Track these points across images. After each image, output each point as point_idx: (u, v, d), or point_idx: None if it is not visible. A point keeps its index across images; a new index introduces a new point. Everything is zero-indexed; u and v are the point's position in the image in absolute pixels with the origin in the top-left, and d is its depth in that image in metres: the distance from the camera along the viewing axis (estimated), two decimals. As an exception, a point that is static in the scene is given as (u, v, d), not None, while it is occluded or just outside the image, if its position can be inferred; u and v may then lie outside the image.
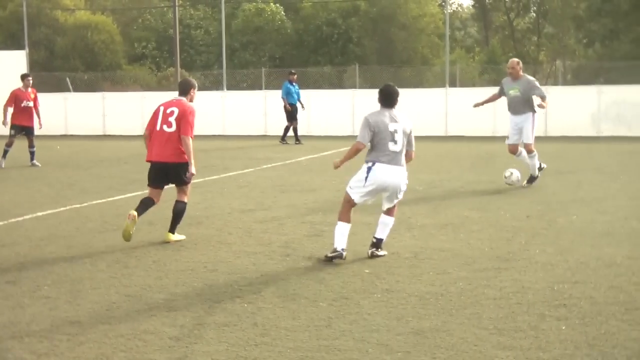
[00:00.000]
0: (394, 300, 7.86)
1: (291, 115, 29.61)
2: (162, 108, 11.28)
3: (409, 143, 9.85)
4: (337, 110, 33.66)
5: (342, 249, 9.56)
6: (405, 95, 31.04)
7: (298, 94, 29.65)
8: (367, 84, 39.98)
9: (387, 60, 52.71)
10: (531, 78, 15.84)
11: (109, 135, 34.73)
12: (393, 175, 9.64)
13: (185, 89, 11.50)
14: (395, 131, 9.61)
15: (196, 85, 11.79)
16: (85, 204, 14.50)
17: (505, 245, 10.52)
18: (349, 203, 9.86)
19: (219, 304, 7.88)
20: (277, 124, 33.02)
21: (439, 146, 28.13)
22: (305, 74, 32.24)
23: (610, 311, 7.38)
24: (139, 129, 33.77)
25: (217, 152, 26.57)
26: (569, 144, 29.05)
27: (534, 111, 15.67)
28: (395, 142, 9.59)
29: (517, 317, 7.26)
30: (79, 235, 11.47)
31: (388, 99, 9.88)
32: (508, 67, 15.75)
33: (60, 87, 36.94)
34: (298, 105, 29.70)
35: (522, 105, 15.56)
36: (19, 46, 36.96)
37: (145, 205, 11.03)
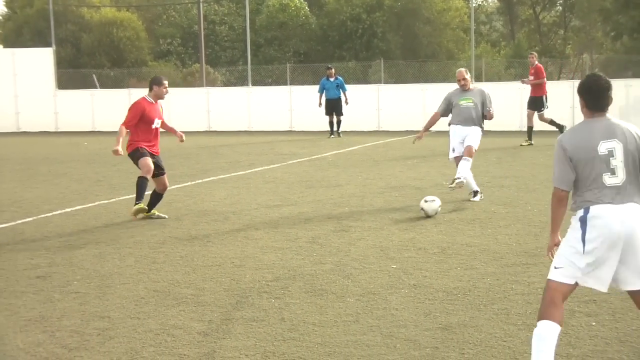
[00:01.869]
0: (422, 296, 7.85)
1: (326, 109, 29.80)
2: None
3: None
4: (362, 105, 33.59)
5: None
6: (430, 90, 30.99)
7: (341, 87, 29.68)
8: (392, 79, 39.92)
9: (412, 55, 52.64)
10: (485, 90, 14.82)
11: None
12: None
13: (149, 86, 12.90)
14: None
15: (161, 81, 13.01)
16: (113, 200, 14.58)
17: (533, 240, 10.46)
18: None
19: (246, 299, 7.91)
20: (303, 119, 33.05)
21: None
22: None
23: None
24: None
25: (243, 147, 26.59)
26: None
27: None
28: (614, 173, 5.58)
29: (546, 313, 7.23)
30: (107, 230, 11.52)
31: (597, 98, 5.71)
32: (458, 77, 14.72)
33: (86, 84, 37.12)
34: (342, 99, 29.77)
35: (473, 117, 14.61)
36: (45, 43, 37.20)
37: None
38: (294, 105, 34.25)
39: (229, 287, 8.40)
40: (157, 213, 12.63)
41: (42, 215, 13.09)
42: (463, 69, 14.46)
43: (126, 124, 12.51)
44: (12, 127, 34.06)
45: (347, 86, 30.07)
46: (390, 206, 13.22)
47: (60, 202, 14.48)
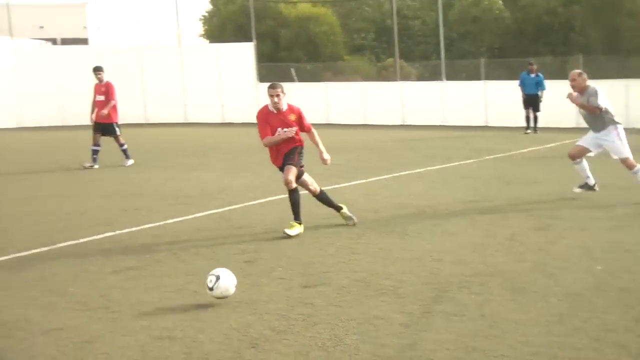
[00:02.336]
0: (631, 300, 7.52)
1: (524, 104, 29.32)
2: None
3: None
4: (559, 101, 32.62)
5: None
6: (634, 86, 29.59)
7: (539, 85, 29.09)
8: (591, 75, 38.40)
9: (613, 49, 50.70)
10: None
11: (333, 124, 35.24)
12: None
13: None
14: None
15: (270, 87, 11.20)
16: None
17: None
18: None
19: (445, 293, 7.87)
20: (498, 114, 32.51)
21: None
22: (525, 64, 31.34)
23: None
24: (360, 118, 34.32)
25: (438, 142, 26.45)
26: None
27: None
28: None
29: None
30: (306, 220, 11.74)
31: None
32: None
33: (285, 78, 37.90)
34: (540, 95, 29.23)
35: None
36: (247, 38, 38.23)
37: None
38: (489, 101, 33.75)
39: (428, 281, 8.38)
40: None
41: (248, 203, 13.50)
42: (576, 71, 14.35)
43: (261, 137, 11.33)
44: (218, 118, 35.21)
45: (545, 82, 29.32)
46: (591, 204, 12.82)
47: (264, 191, 14.85)
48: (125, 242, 10.69)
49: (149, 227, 11.66)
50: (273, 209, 13.03)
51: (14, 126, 34.50)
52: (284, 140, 11.07)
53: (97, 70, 19.86)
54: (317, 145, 11.53)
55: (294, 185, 11.05)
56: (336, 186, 15.20)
